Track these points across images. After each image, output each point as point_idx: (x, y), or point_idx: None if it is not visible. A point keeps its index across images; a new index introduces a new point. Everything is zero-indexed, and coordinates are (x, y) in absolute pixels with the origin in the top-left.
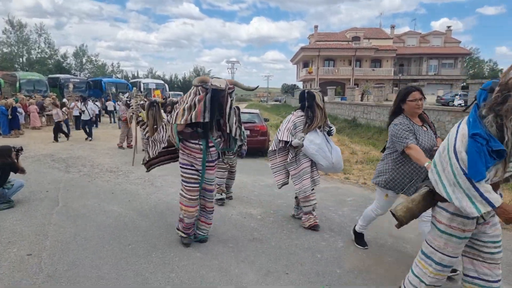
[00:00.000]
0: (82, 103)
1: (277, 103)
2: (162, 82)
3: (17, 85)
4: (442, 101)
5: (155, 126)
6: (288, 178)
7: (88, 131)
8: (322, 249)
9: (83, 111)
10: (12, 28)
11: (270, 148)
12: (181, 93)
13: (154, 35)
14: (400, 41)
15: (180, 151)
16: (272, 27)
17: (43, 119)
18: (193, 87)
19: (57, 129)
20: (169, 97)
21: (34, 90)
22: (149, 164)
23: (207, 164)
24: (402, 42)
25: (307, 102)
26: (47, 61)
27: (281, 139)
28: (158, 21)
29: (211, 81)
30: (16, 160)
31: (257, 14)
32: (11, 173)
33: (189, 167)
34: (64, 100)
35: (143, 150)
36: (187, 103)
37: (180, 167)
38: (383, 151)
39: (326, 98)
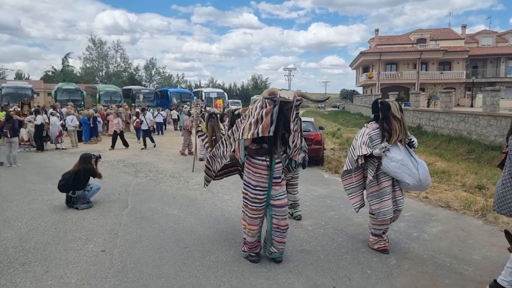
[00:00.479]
0: (141, 113)
1: (335, 109)
2: (222, 91)
3: (97, 96)
4: None
5: (214, 138)
6: (363, 199)
7: (151, 140)
8: (373, 265)
9: (142, 122)
10: (94, 46)
11: (344, 168)
12: (239, 101)
13: (216, 45)
14: (473, 41)
15: (245, 168)
16: (331, 32)
17: (121, 126)
18: (258, 99)
19: (115, 137)
20: (227, 105)
21: (111, 100)
22: (209, 180)
23: (273, 180)
24: (476, 42)
25: (382, 113)
26: (122, 74)
27: (359, 154)
28: (219, 32)
29: (279, 93)
30: (95, 166)
31: (315, 20)
32: (90, 178)
33: (254, 187)
34: (137, 110)
35: (200, 159)
36: (253, 117)
37: (245, 185)
38: (499, 166)
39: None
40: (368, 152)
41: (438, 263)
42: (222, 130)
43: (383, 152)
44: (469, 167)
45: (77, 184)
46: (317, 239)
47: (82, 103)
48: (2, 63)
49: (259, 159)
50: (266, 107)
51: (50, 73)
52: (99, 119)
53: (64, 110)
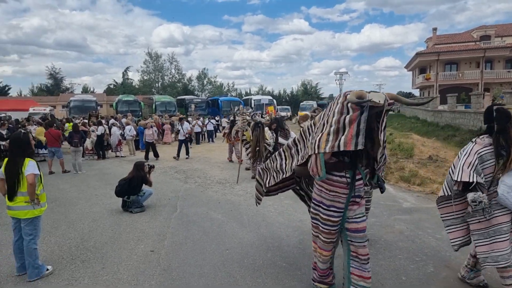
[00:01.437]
0: (179, 123)
1: (391, 112)
2: (271, 97)
3: (153, 106)
4: None
5: (258, 148)
6: (469, 234)
7: (186, 150)
8: (409, 272)
9: (179, 131)
10: (150, 59)
11: (440, 193)
12: (288, 107)
13: (266, 53)
14: None
15: (316, 185)
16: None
17: (173, 135)
18: (333, 102)
19: (148, 148)
20: (277, 111)
21: (166, 110)
22: (260, 198)
23: (351, 200)
24: None
25: (497, 125)
26: (176, 85)
27: (458, 179)
28: (270, 39)
29: (368, 96)
30: (148, 174)
31: (369, 22)
32: (143, 184)
33: (327, 207)
34: (190, 118)
35: (247, 169)
36: (331, 125)
37: (315, 204)
38: None
39: (445, 107)
40: (474, 180)
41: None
42: (267, 140)
43: (479, 206)
44: None
45: (131, 190)
46: None
47: (140, 113)
48: (71, 79)
49: (337, 175)
50: (348, 113)
51: (112, 86)
52: (155, 128)
53: (123, 120)
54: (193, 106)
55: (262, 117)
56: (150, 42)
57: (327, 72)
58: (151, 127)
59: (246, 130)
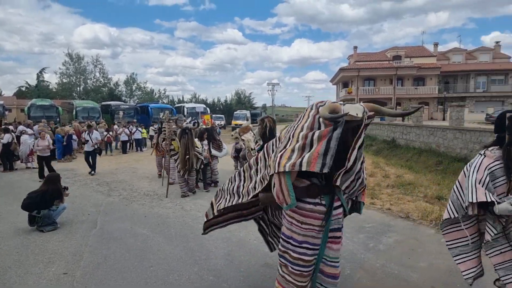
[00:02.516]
0: (87, 132)
1: None
2: (204, 106)
3: (74, 112)
4: (491, 119)
5: (187, 157)
6: (481, 264)
7: (91, 163)
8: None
9: (87, 141)
10: (71, 60)
11: (445, 215)
12: (222, 116)
13: (200, 60)
14: (445, 58)
15: (285, 216)
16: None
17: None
18: (303, 114)
19: (41, 164)
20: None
21: (89, 116)
22: (211, 223)
23: (330, 234)
24: (447, 59)
25: (510, 135)
26: (101, 89)
27: (474, 200)
28: (203, 47)
29: (344, 109)
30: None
31: (298, 37)
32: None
33: (299, 244)
34: (116, 126)
35: (172, 183)
36: (297, 140)
37: (284, 240)
38: None
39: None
40: (491, 199)
41: (387, 271)
42: (198, 148)
43: None
44: (433, 179)
45: (43, 204)
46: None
47: (58, 119)
48: None
49: (310, 203)
50: (319, 128)
51: (23, 89)
52: (75, 136)
53: (36, 127)
54: (121, 113)
55: (196, 124)
56: (71, 42)
57: (260, 82)
58: (45, 137)
59: (174, 139)
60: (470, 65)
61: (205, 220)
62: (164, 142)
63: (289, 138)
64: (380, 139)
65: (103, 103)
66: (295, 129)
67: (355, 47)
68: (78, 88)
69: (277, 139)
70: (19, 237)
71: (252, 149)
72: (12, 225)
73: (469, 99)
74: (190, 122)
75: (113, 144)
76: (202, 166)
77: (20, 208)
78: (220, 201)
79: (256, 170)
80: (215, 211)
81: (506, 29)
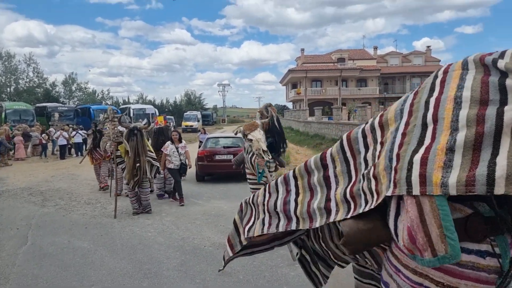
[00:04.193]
0: None
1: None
2: (152, 107)
3: (3, 115)
4: None
5: (138, 164)
6: None
7: None
8: (290, 280)
9: (38, 144)
10: (0, 59)
11: None
12: (172, 117)
13: (146, 60)
14: (383, 61)
15: (407, 272)
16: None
17: (29, 149)
18: (435, 75)
19: None
20: (168, 122)
21: (21, 120)
22: (231, 252)
23: None
24: (386, 62)
25: None
26: (35, 90)
27: None
28: (150, 47)
29: None
30: None
31: (247, 39)
32: None
33: None
34: (51, 129)
35: (119, 194)
36: (457, 129)
37: None
38: None
39: (313, 118)
40: None
41: None
42: (150, 152)
43: None
44: None
45: None
46: (238, 259)
47: None
48: None
49: (471, 251)
50: (504, 100)
51: None
52: (4, 141)
53: None
54: (56, 115)
55: (147, 124)
56: (1, 40)
57: (210, 83)
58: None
59: (120, 142)
60: (406, 67)
61: (229, 253)
62: (107, 146)
63: (424, 124)
64: (329, 138)
65: (38, 105)
66: (435, 105)
67: (302, 50)
68: (9, 89)
69: (375, 125)
70: None
71: (264, 152)
72: None
73: None
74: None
75: (49, 148)
76: (158, 173)
77: None
78: (252, 224)
79: (325, 178)
80: (243, 238)
81: (434, 35)
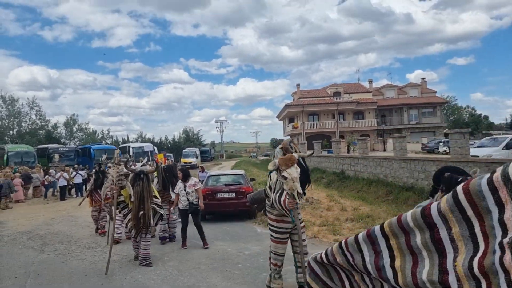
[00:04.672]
0: None
1: (267, 157)
2: (151, 145)
3: (5, 158)
4: (427, 149)
5: (142, 212)
6: None
7: None
8: None
9: (38, 186)
10: (4, 103)
11: None
12: (171, 154)
13: (145, 100)
14: (379, 94)
15: None
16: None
17: (30, 191)
18: None
19: None
20: (168, 159)
21: (22, 162)
22: None
23: None
24: (382, 94)
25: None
26: (37, 132)
27: None
28: (149, 87)
29: None
30: None
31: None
32: None
33: None
34: (51, 170)
35: (118, 241)
36: None
37: None
38: None
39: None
40: None
41: None
42: (155, 198)
43: None
44: (389, 210)
45: None
46: None
47: None
48: None
49: None
50: None
51: None
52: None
53: None
54: (57, 156)
55: (154, 165)
56: (5, 84)
57: (208, 119)
58: None
59: (123, 187)
60: (402, 99)
61: None
62: (109, 190)
63: None
64: (330, 171)
65: (40, 146)
66: None
67: (298, 85)
68: (11, 132)
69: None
70: None
71: (298, 194)
72: None
73: (405, 131)
74: (144, 163)
75: (50, 190)
76: (161, 220)
77: None
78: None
79: (435, 241)
80: None
81: (427, 67)
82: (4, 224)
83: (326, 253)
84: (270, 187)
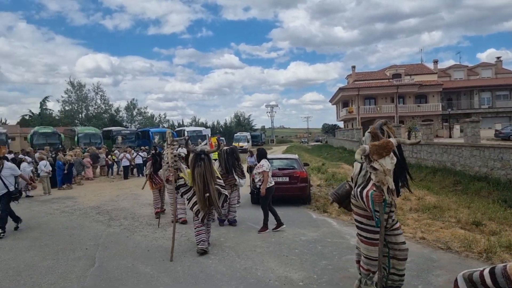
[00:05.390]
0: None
1: (318, 143)
2: (205, 128)
3: (76, 139)
4: (501, 135)
5: (207, 194)
6: None
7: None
8: None
9: (107, 165)
10: (73, 88)
11: None
12: (223, 138)
13: (198, 85)
14: (445, 75)
15: None
16: (309, 70)
17: (97, 169)
18: None
19: None
20: (222, 142)
21: (90, 142)
22: None
23: None
24: (448, 76)
25: None
26: (102, 116)
27: None
28: (201, 72)
29: None
30: None
31: (294, 59)
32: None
33: None
34: (115, 151)
35: (182, 221)
36: None
37: None
38: None
39: (419, 140)
40: None
41: None
42: (219, 180)
43: None
44: (460, 201)
45: None
46: None
47: (60, 146)
48: None
49: None
50: None
51: (27, 117)
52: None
53: (36, 155)
54: (120, 138)
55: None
56: (74, 72)
57: (258, 104)
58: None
59: (178, 169)
60: (473, 81)
61: None
62: (166, 173)
63: None
64: None
65: (105, 129)
66: None
67: (353, 67)
68: (80, 115)
69: None
70: (9, 278)
71: (389, 190)
72: (3, 263)
73: (475, 115)
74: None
75: (113, 168)
76: (226, 202)
77: (10, 246)
78: None
79: None
80: None
81: (501, 45)
82: (76, 199)
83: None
84: (352, 179)
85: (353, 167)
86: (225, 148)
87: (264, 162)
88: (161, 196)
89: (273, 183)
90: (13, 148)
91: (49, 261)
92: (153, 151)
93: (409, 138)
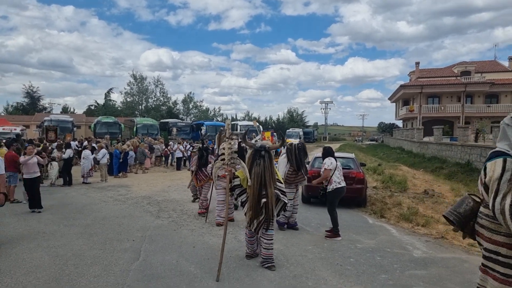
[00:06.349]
0: (64, 148)
1: (373, 142)
2: (257, 124)
3: (135, 129)
4: None
5: (264, 200)
6: None
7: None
8: None
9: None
10: (135, 81)
11: None
12: (275, 133)
13: (253, 80)
14: None
15: None
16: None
17: (152, 159)
18: None
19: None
20: (274, 137)
21: (148, 133)
22: None
23: None
24: None
25: None
26: (160, 108)
27: None
28: (257, 67)
29: None
30: None
31: (352, 55)
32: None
33: None
34: (170, 142)
35: (218, 224)
36: None
37: None
38: None
39: (430, 138)
40: None
41: None
42: (279, 183)
43: None
44: None
45: None
46: None
47: (120, 135)
48: (52, 98)
49: None
50: None
51: (92, 107)
52: (131, 152)
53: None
54: (174, 129)
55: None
56: (138, 65)
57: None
58: (40, 154)
59: (237, 167)
60: None
61: None
62: (220, 170)
63: None
64: (452, 162)
65: (162, 120)
66: None
67: (417, 63)
68: (140, 107)
69: None
70: (55, 267)
71: None
72: (51, 251)
73: None
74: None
75: (169, 159)
76: (284, 210)
77: (66, 228)
78: None
79: None
80: None
81: None
82: (129, 188)
83: None
84: (486, 187)
85: (485, 174)
86: (296, 143)
87: (327, 160)
88: (202, 192)
89: (342, 184)
90: (77, 136)
91: (96, 251)
92: (201, 145)
93: (476, 141)
